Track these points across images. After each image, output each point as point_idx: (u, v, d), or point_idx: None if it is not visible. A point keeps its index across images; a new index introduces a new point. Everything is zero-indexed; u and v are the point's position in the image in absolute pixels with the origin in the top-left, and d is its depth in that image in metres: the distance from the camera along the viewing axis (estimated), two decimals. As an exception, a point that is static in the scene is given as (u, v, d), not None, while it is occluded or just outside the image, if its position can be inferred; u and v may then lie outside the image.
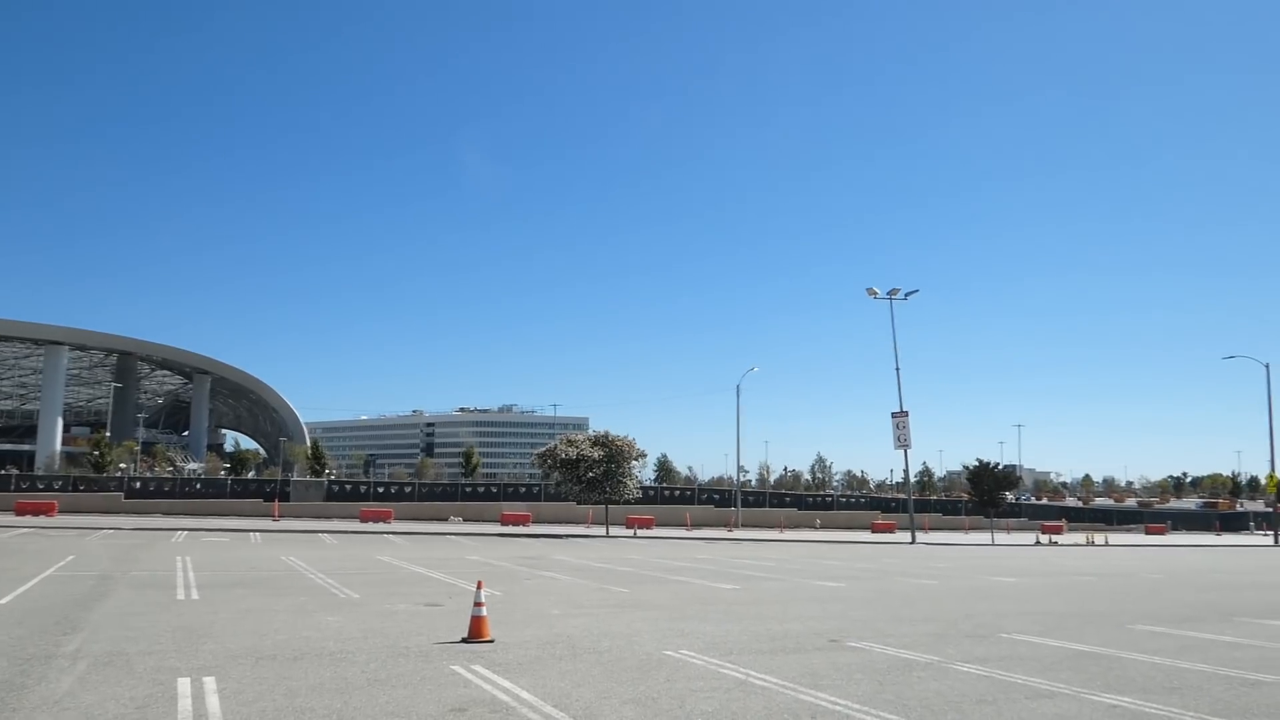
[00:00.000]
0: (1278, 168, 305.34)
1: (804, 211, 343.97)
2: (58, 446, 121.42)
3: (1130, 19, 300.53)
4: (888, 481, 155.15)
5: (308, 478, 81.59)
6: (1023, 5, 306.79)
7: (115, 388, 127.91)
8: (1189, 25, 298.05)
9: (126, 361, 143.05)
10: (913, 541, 53.22)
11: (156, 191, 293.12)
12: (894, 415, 57.82)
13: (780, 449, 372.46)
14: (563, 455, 49.61)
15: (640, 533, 53.01)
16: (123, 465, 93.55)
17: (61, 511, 51.55)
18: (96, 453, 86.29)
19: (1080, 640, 14.09)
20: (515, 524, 55.64)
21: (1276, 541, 67.06)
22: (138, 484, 67.23)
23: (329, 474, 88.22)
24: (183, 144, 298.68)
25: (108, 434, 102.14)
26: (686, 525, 62.53)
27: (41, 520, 46.24)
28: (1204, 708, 9.31)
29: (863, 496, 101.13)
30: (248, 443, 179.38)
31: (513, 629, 13.57)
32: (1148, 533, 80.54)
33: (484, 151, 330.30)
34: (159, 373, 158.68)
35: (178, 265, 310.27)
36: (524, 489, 75.48)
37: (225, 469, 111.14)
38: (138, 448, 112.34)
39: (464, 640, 12.31)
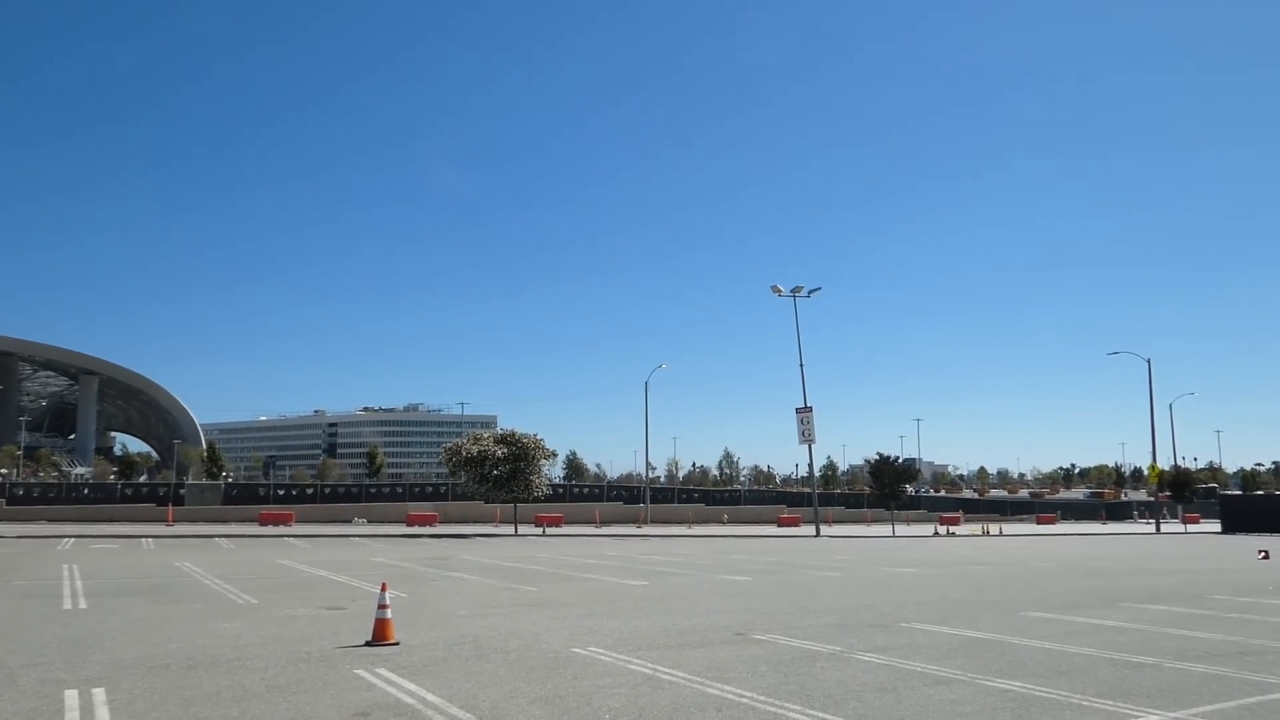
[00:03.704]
0: (1161, 162, 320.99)
1: (712, 213, 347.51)
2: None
3: (1011, 24, 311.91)
4: (793, 476, 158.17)
5: (204, 481, 79.09)
6: (940, 14, 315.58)
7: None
8: (1081, 27, 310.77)
9: (7, 362, 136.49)
10: (817, 534, 54.30)
11: (41, 190, 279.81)
12: (799, 411, 58.91)
13: (688, 445, 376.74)
14: (468, 454, 49.11)
15: (549, 531, 52.83)
16: (3, 470, 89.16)
17: (-64, 520, 48.84)
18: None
19: (975, 627, 14.58)
20: (422, 524, 54.83)
21: (1158, 530, 70.51)
22: (20, 490, 64.18)
23: (226, 476, 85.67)
24: (76, 145, 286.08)
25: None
26: (596, 522, 62.57)
27: (-87, 529, 43.73)
28: (1091, 690, 9.72)
29: (769, 491, 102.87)
30: (139, 445, 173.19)
31: (418, 631, 13.38)
32: (1039, 522, 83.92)
33: (415, 157, 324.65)
34: (42, 374, 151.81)
35: (61, 261, 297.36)
36: (430, 489, 74.43)
37: (115, 473, 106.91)
38: (19, 452, 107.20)
39: (368, 643, 12.08)
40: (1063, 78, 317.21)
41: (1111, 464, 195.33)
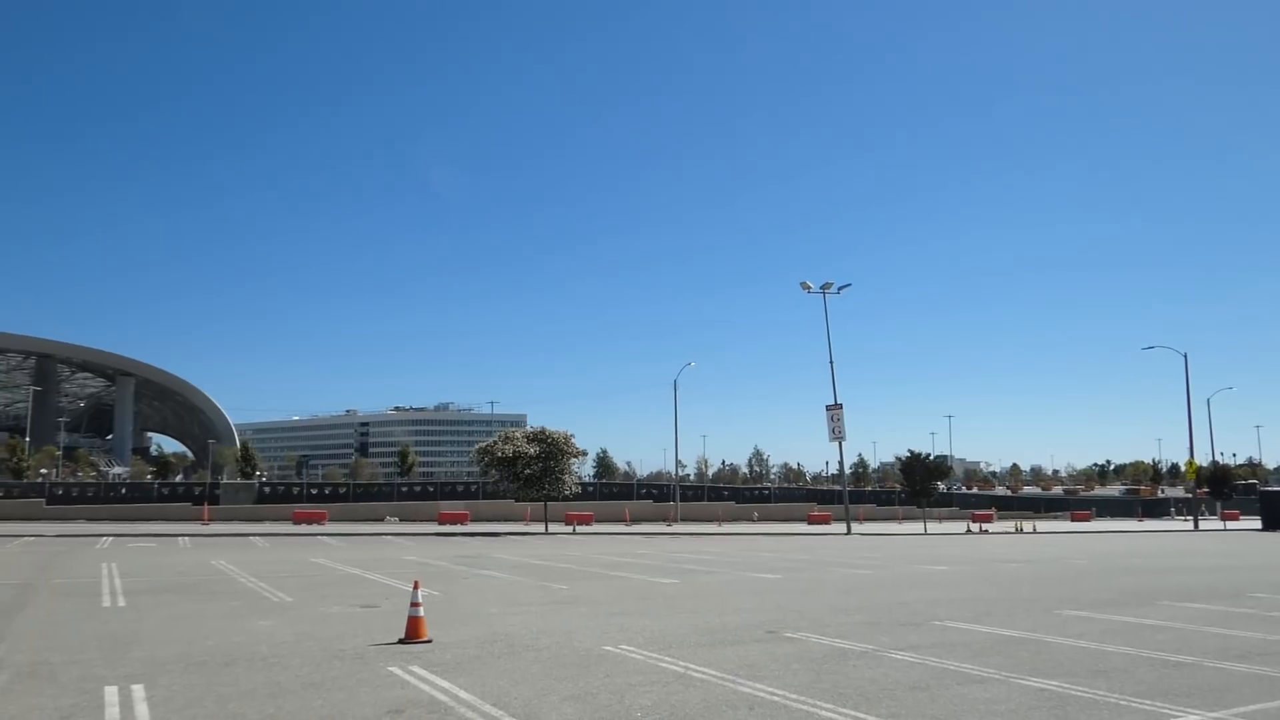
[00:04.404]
0: (1197, 155, 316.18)
1: (740, 210, 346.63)
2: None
3: (1069, 28, 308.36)
4: (823, 473, 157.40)
5: (238, 480, 79.98)
6: (950, 16, 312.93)
7: (34, 391, 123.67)
8: (1126, 31, 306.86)
9: (46, 364, 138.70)
10: (848, 532, 54.02)
11: (76, 196, 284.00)
12: (829, 408, 58.60)
13: (718, 443, 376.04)
14: (500, 453, 49.24)
15: (579, 529, 52.92)
16: (43, 471, 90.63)
17: (-22, 519, 49.73)
18: (15, 458, 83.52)
19: (1009, 626, 14.44)
20: (453, 523, 55.13)
21: (1196, 527, 69.47)
22: (60, 490, 65.26)
23: (260, 476, 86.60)
24: (103, 144, 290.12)
25: (27, 439, 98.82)
26: (626, 521, 62.60)
27: (-43, 529, 44.57)
28: (1128, 689, 9.60)
29: (799, 489, 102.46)
30: (175, 446, 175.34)
31: (451, 628, 13.45)
32: (1073, 520, 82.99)
33: (423, 159, 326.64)
34: (80, 375, 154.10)
35: (99, 267, 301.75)
36: (461, 488, 74.85)
37: (151, 473, 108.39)
38: (59, 453, 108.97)
39: (401, 641, 12.17)
40: (1093, 74, 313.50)
41: (1148, 460, 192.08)
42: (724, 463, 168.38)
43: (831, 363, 59.52)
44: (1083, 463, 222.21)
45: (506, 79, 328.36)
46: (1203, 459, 77.01)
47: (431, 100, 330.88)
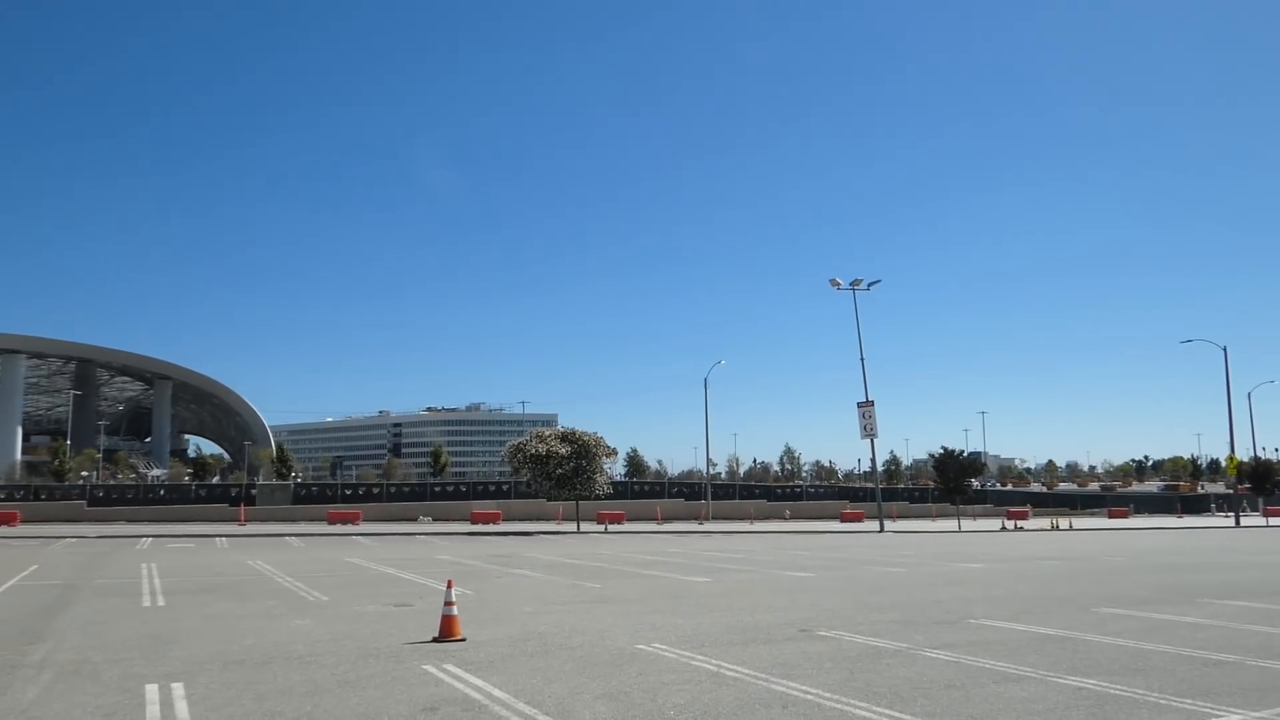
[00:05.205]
0: (1232, 158, 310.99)
1: (770, 208, 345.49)
2: (18, 456, 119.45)
3: (1100, 30, 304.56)
4: (856, 471, 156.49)
5: (273, 481, 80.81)
6: (1003, 15, 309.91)
7: (74, 395, 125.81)
8: (1156, 31, 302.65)
9: (85, 369, 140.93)
10: (881, 530, 53.68)
11: (113, 199, 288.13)
12: (860, 405, 58.24)
13: (749, 441, 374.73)
14: (531, 452, 49.42)
15: (611, 528, 53.01)
16: (84, 473, 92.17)
17: (24, 521, 50.67)
18: (57, 461, 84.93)
19: (1046, 624, 14.29)
20: (485, 522, 55.43)
21: (1237, 523, 68.33)
22: (100, 492, 66.33)
23: (295, 477, 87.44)
24: (137, 153, 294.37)
25: (68, 442, 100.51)
26: (657, 519, 62.63)
27: (3, 530, 45.49)
28: (1169, 688, 9.47)
29: (831, 486, 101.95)
30: (211, 448, 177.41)
31: (484, 627, 13.53)
32: (1111, 516, 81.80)
33: (448, 158, 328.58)
34: (119, 379, 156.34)
35: (137, 272, 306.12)
36: (493, 487, 75.22)
37: (189, 474, 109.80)
38: (99, 455, 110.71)
39: (435, 640, 12.26)
40: (1117, 71, 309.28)
41: (1187, 455, 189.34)
42: (755, 461, 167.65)
43: (863, 359, 59.19)
44: (1120, 459, 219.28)
45: (537, 76, 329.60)
46: (1243, 454, 75.53)
47: (462, 97, 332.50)
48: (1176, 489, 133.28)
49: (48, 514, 56.52)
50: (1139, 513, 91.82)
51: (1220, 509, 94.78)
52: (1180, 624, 14.41)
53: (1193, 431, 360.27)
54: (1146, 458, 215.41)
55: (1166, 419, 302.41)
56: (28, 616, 14.82)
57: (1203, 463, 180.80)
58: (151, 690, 9.15)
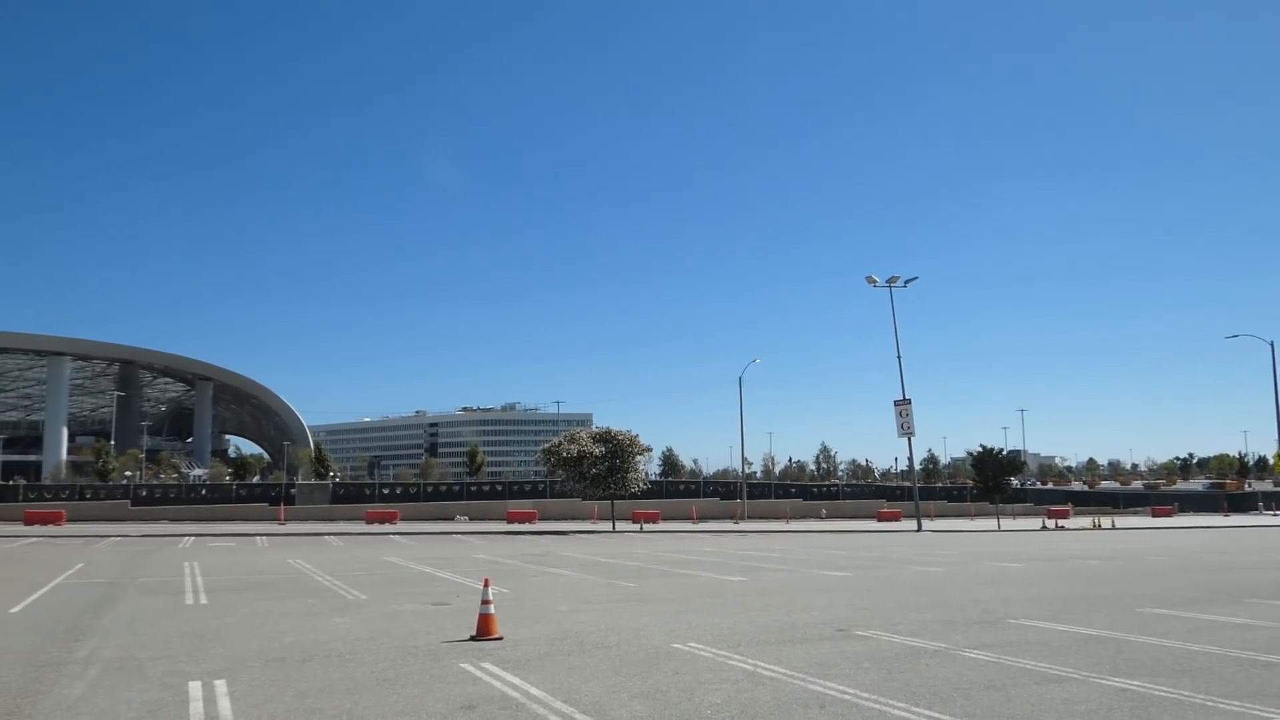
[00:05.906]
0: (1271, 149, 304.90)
1: (806, 208, 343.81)
2: (63, 456, 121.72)
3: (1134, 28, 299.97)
4: (893, 470, 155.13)
5: (312, 481, 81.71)
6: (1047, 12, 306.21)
7: (118, 396, 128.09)
8: (1191, 26, 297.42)
9: (128, 370, 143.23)
10: (918, 529, 53.22)
11: (154, 201, 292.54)
12: (897, 403, 57.78)
13: (784, 440, 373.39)
14: (566, 452, 49.57)
15: (646, 527, 53.00)
16: (128, 473, 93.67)
17: (69, 520, 51.65)
18: (101, 461, 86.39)
19: (1088, 624, 14.09)
20: (521, 522, 55.67)
21: (1283, 521, 66.95)
22: (143, 491, 67.36)
23: (333, 476, 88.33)
24: (180, 153, 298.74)
25: (112, 443, 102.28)
26: (692, 518, 62.55)
27: (50, 529, 46.38)
28: (1215, 690, 9.29)
29: (868, 485, 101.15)
30: (251, 448, 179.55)
31: (521, 626, 13.58)
32: (1154, 515, 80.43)
33: (475, 158, 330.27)
34: (161, 380, 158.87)
35: (178, 274, 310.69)
36: (529, 487, 75.49)
37: (230, 474, 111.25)
38: (142, 455, 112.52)
39: (472, 638, 12.32)
40: (1157, 66, 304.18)
41: (1233, 453, 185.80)
42: (791, 460, 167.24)
43: (899, 357, 58.68)
44: (1164, 456, 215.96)
45: (577, 75, 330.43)
46: (1291, 451, 73.93)
47: (496, 97, 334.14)
48: (1223, 487, 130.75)
49: (92, 513, 57.52)
50: (1184, 511, 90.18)
51: (1268, 507, 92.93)
52: (1228, 625, 14.14)
53: (1239, 429, 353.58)
54: (1191, 455, 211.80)
55: (1212, 416, 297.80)
56: (74, 614, 15.09)
57: (1250, 460, 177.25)
58: (195, 687, 9.27)
